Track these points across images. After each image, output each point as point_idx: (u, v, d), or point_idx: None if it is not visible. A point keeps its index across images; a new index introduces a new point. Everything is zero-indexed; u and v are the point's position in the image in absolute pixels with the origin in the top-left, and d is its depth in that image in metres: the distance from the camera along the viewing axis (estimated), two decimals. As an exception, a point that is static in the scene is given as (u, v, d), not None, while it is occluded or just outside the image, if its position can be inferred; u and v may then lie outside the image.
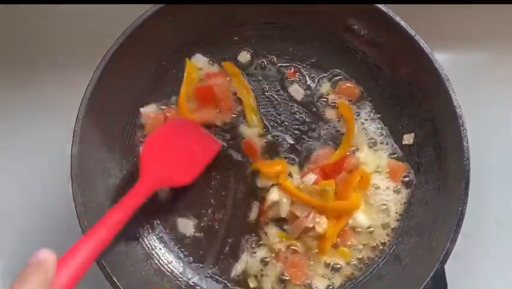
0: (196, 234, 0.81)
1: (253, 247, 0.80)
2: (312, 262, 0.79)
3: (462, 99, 0.73)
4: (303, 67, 0.85)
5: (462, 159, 0.72)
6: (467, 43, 0.95)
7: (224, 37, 0.84)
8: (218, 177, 0.82)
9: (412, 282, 0.72)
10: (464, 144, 0.72)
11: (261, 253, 0.79)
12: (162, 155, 0.76)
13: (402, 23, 0.75)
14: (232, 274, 0.79)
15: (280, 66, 0.85)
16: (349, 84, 0.84)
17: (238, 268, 0.79)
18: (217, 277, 0.80)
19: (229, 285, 0.79)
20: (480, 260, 0.87)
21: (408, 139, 0.82)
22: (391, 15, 0.75)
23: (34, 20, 0.94)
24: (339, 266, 0.79)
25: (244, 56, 0.85)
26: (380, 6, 0.75)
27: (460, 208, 0.71)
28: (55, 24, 0.94)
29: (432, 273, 0.70)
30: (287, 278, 0.78)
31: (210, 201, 0.81)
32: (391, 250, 0.79)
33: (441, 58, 0.75)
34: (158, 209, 0.81)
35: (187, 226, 0.81)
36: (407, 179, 0.81)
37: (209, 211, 0.81)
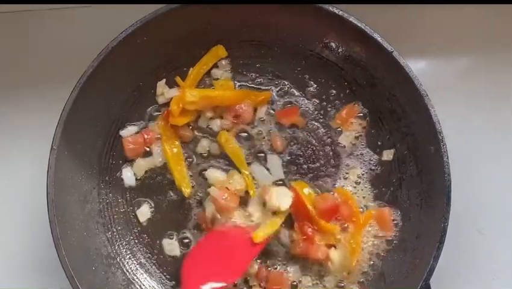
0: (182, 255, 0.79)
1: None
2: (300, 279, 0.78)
3: (444, 106, 0.73)
4: (285, 84, 0.84)
5: (443, 175, 0.72)
6: (447, 48, 0.93)
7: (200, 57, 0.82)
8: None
9: (397, 299, 0.72)
10: (445, 159, 0.72)
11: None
12: (203, 275, 0.74)
13: (379, 39, 0.75)
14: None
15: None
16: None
17: None
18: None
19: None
20: (465, 271, 0.87)
21: (388, 155, 0.81)
22: (368, 31, 0.75)
23: (12, 41, 0.92)
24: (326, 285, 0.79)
25: (221, 74, 0.84)
26: (357, 23, 0.75)
27: (442, 224, 0.71)
28: (29, 44, 0.91)
29: (416, 290, 0.69)
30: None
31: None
32: (376, 268, 0.79)
33: (421, 65, 0.74)
34: (139, 232, 0.80)
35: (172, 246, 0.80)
36: (395, 222, 0.80)
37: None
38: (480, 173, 0.90)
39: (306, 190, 0.80)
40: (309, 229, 0.77)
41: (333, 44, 0.81)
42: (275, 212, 0.78)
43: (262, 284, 0.78)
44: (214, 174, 0.80)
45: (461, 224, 0.86)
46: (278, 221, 0.78)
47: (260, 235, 0.76)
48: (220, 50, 0.82)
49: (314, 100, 0.84)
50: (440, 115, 0.73)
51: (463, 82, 0.93)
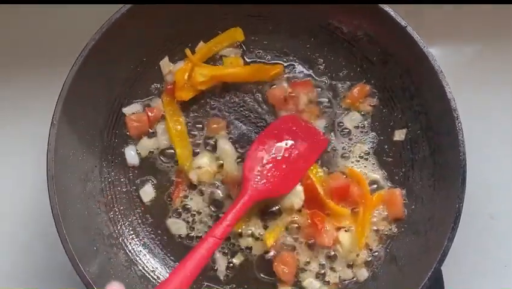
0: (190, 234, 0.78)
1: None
2: (307, 260, 0.76)
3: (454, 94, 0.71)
4: (294, 61, 0.81)
5: (458, 154, 0.69)
6: (456, 36, 0.92)
7: (207, 30, 0.80)
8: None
9: (410, 282, 0.69)
10: (460, 138, 0.70)
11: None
12: (266, 163, 0.74)
13: (393, 13, 0.72)
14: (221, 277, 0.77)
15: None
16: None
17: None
18: (213, 284, 0.77)
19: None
20: (476, 258, 0.85)
21: (400, 135, 0.79)
22: (381, 6, 0.72)
23: (9, 20, 0.90)
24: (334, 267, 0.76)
25: (230, 52, 0.81)
26: (369, -4, 0.72)
27: (457, 205, 0.69)
28: (30, 23, 0.90)
29: (429, 273, 0.67)
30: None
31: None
32: (387, 251, 0.77)
33: (432, 52, 0.73)
34: (144, 212, 0.78)
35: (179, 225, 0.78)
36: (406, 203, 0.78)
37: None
38: (491, 158, 0.88)
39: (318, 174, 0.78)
40: (319, 218, 0.75)
41: (344, 20, 0.78)
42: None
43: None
44: (224, 146, 0.78)
45: (472, 209, 0.83)
46: (288, 219, 0.77)
47: (272, 237, 0.75)
48: (237, 33, 0.80)
49: (323, 78, 0.81)
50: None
51: (471, 69, 0.91)
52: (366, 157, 0.79)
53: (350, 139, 0.80)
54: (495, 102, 0.91)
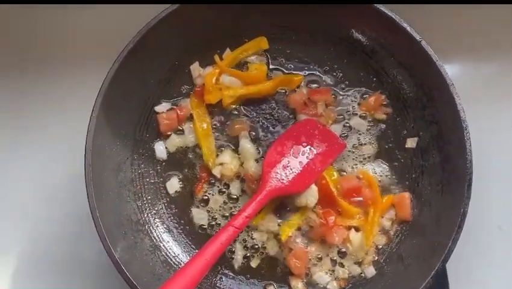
0: (211, 223, 0.83)
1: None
2: (319, 256, 0.81)
3: (469, 111, 0.75)
4: (314, 70, 0.86)
5: (465, 162, 0.74)
6: (471, 53, 0.95)
7: (234, 38, 0.86)
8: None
9: (415, 280, 0.73)
10: (467, 146, 0.74)
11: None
12: (284, 162, 0.80)
13: (408, 28, 0.77)
14: (236, 267, 0.82)
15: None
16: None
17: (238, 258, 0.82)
18: (227, 271, 0.82)
19: (239, 278, 0.82)
20: (482, 263, 0.88)
21: (411, 143, 0.83)
22: (397, 20, 0.77)
23: (51, 19, 0.97)
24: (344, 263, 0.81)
25: (255, 59, 0.87)
26: (387, 11, 0.77)
27: (462, 209, 0.72)
28: (72, 23, 0.96)
29: (433, 272, 0.71)
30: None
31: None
32: (394, 250, 0.81)
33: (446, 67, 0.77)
34: (169, 202, 0.84)
35: (202, 216, 0.83)
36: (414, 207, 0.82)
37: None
38: (501, 171, 0.91)
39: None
40: (332, 218, 0.80)
41: (362, 33, 0.83)
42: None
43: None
44: (246, 145, 0.84)
45: (481, 219, 0.87)
46: (302, 217, 0.82)
47: (287, 231, 0.80)
48: (262, 42, 0.86)
49: (341, 86, 0.86)
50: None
51: (488, 88, 0.95)
52: (378, 162, 0.84)
53: (364, 144, 0.84)
54: (506, 114, 0.94)
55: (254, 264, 0.82)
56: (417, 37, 0.77)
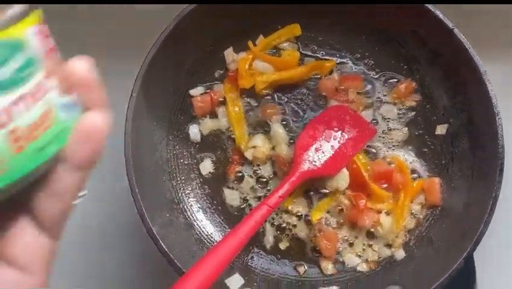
0: (241, 206, 0.85)
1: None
2: (349, 238, 0.82)
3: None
4: (345, 57, 0.88)
5: (497, 147, 0.74)
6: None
7: (268, 25, 0.87)
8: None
9: (444, 263, 0.74)
10: (499, 131, 0.75)
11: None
12: (316, 145, 0.82)
13: (441, 16, 0.78)
14: (268, 247, 0.84)
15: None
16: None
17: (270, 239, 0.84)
18: (259, 250, 0.84)
19: (270, 257, 0.84)
20: (509, 250, 0.89)
21: (441, 129, 0.84)
22: (430, 8, 0.78)
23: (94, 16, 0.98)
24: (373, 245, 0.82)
25: (288, 46, 0.89)
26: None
27: (494, 193, 0.73)
28: (110, 18, 0.98)
29: (465, 253, 0.72)
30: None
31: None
32: (424, 234, 0.82)
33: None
34: (202, 183, 0.86)
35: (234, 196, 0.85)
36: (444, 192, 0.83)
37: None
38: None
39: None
40: (363, 201, 0.81)
41: (394, 22, 0.84)
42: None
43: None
44: (277, 129, 0.86)
45: (509, 208, 0.88)
46: (333, 200, 0.84)
47: (318, 213, 0.82)
48: (295, 29, 0.88)
49: (371, 73, 0.88)
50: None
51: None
52: (408, 148, 0.85)
53: (394, 130, 0.86)
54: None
55: (283, 246, 0.84)
56: (450, 25, 0.78)
